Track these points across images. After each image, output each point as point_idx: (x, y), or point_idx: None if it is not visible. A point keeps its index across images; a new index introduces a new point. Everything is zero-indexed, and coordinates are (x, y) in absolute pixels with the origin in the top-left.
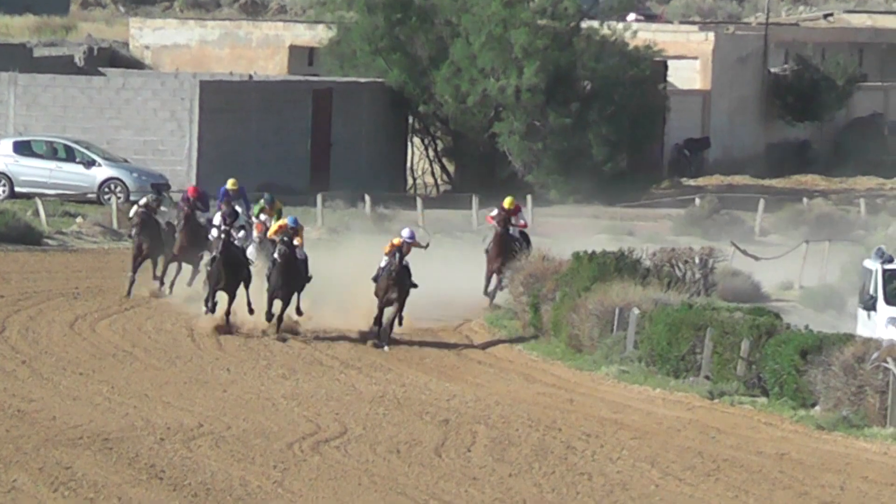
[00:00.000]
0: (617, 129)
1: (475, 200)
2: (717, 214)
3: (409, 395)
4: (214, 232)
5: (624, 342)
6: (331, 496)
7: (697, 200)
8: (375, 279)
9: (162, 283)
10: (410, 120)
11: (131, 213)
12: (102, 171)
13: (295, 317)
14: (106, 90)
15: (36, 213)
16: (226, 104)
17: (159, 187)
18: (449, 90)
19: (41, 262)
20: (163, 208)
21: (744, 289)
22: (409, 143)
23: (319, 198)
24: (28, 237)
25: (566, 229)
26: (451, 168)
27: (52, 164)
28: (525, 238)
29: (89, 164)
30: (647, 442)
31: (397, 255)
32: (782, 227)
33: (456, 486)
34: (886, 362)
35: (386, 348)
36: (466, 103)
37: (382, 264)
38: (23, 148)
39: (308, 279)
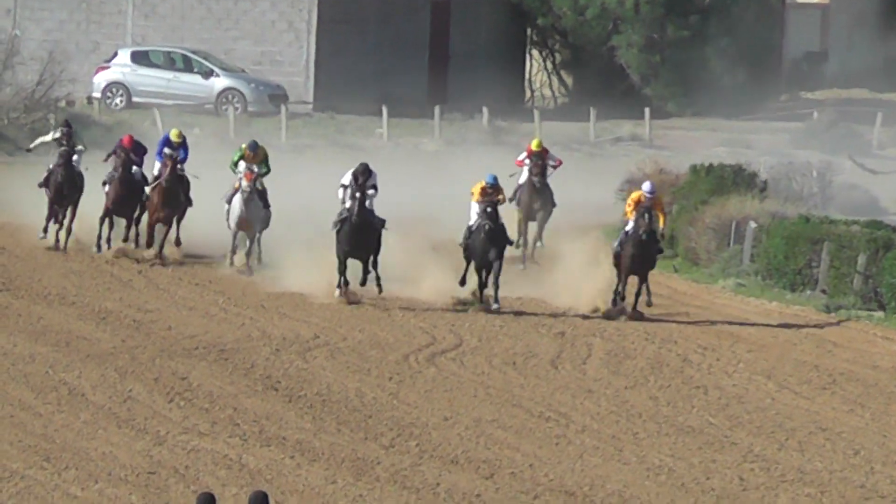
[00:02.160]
0: (735, 43)
1: (593, 113)
2: (835, 128)
3: (524, 308)
4: (340, 192)
5: (741, 255)
6: (446, 408)
7: (815, 114)
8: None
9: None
10: (529, 32)
11: (32, 145)
12: (220, 82)
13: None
14: (224, 0)
15: (153, 123)
16: (344, 15)
17: (275, 98)
18: (567, 2)
19: None
20: (79, 146)
21: (861, 202)
22: (528, 56)
23: (437, 110)
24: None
25: (684, 142)
26: (568, 81)
27: (170, 75)
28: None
29: (207, 74)
30: (763, 355)
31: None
32: None
33: (571, 398)
34: None
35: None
36: (585, 16)
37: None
38: (140, 58)
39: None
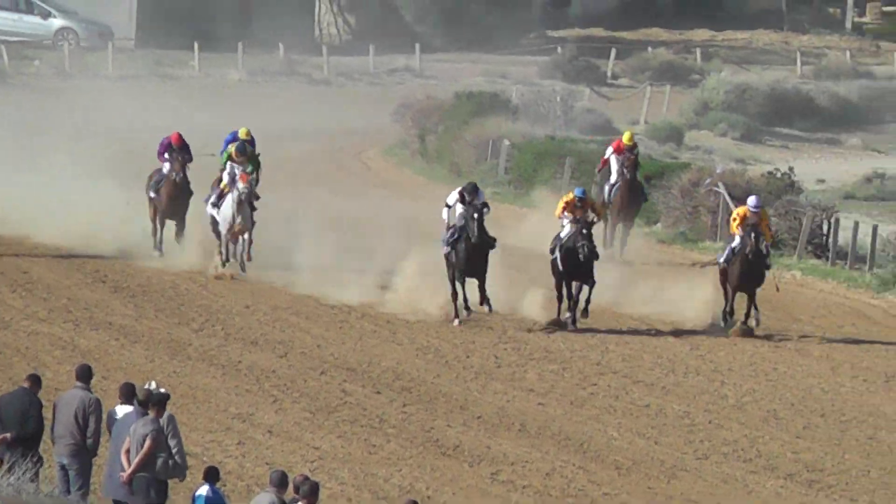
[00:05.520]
0: None
1: (372, 48)
2: (576, 61)
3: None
4: (452, 210)
5: (497, 168)
6: (248, 297)
7: (560, 49)
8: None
9: None
10: None
11: None
12: (57, 22)
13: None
14: None
15: (0, 56)
16: None
17: (103, 35)
18: None
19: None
20: None
21: (598, 124)
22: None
23: (240, 45)
24: None
25: (449, 72)
26: (351, 20)
27: (15, 16)
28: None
29: (46, 15)
30: (513, 254)
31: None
32: (631, 73)
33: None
34: (717, 187)
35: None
36: None
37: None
38: None
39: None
